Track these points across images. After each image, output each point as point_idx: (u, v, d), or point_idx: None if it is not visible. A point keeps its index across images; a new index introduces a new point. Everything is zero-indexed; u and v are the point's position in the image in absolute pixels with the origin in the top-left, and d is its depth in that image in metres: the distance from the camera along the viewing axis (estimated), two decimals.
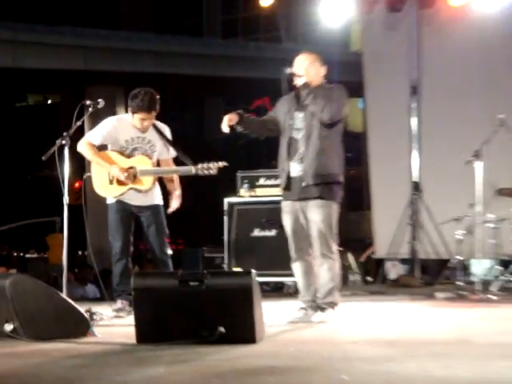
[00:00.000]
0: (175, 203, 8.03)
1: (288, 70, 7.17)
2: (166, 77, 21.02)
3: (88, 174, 8.07)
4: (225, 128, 7.05)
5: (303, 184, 7.01)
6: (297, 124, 7.13)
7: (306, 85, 7.10)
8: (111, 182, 7.93)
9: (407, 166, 12.50)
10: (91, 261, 8.82)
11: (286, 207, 7.17)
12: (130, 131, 7.96)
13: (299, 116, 7.14)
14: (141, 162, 7.89)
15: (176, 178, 8.09)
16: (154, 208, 8.00)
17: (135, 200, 7.99)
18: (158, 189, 8.05)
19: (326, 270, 7.06)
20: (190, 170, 7.77)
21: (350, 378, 4.25)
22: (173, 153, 8.04)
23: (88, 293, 13.84)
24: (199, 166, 7.74)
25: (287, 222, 7.16)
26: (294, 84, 7.17)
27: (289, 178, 7.09)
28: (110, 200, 8.05)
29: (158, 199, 8.06)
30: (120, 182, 7.88)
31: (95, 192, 8.08)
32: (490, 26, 12.09)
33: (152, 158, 7.93)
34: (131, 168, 7.85)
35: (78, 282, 14.32)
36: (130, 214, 8.03)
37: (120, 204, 8.02)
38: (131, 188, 7.88)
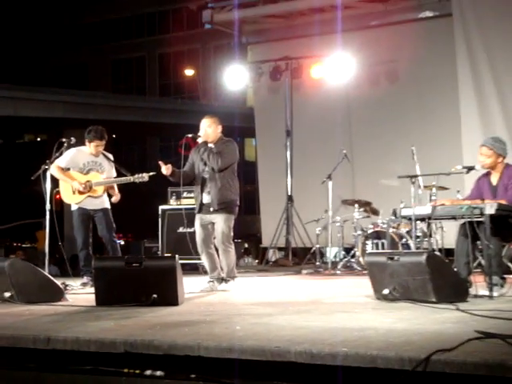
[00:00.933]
0: (114, 200, 7.92)
1: (189, 135, 7.14)
2: (119, 123, 20.83)
3: (57, 189, 7.97)
4: (163, 171, 6.98)
5: (211, 209, 6.98)
6: (202, 167, 7.08)
7: (203, 143, 7.04)
8: (74, 193, 7.84)
9: (284, 185, 12.58)
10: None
11: (198, 219, 7.08)
12: (86, 157, 7.90)
13: (203, 162, 7.07)
14: (95, 178, 7.85)
15: (115, 186, 7.99)
16: (104, 210, 7.89)
17: (90, 205, 7.88)
18: (106, 197, 7.97)
19: (227, 255, 7.10)
20: (129, 178, 7.76)
21: (241, 327, 4.28)
22: (114, 172, 7.99)
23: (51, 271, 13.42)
24: (135, 175, 7.73)
25: (198, 229, 7.07)
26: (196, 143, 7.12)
27: (202, 204, 7.04)
28: (74, 207, 7.93)
29: (107, 204, 7.94)
30: (80, 192, 7.80)
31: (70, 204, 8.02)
32: (338, 89, 12.33)
33: (102, 174, 7.89)
34: (88, 181, 7.81)
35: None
36: (88, 216, 7.91)
37: (80, 209, 7.89)
38: (88, 196, 7.82)
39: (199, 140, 7.09)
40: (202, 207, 7.06)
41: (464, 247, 6.08)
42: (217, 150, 7.00)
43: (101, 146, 7.88)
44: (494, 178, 6.35)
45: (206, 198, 7.04)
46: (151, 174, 7.72)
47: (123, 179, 7.84)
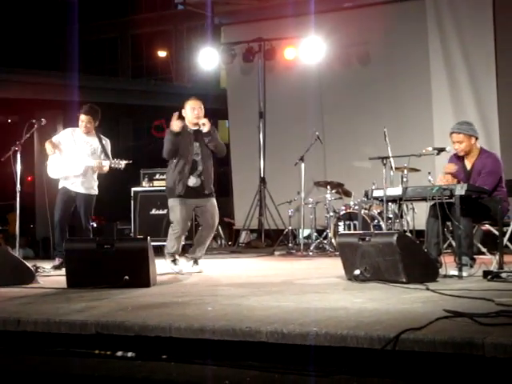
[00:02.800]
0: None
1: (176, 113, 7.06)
2: (91, 104, 20.60)
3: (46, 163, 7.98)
4: (175, 126, 6.92)
5: (205, 192, 7.01)
6: (196, 150, 7.05)
7: (212, 129, 7.05)
8: (58, 165, 7.82)
9: (257, 167, 12.55)
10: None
11: (182, 203, 6.98)
12: (79, 136, 7.89)
13: (197, 145, 7.05)
14: (79, 156, 7.79)
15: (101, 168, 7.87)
16: (86, 196, 7.84)
17: (74, 187, 7.84)
18: (94, 184, 7.90)
19: (210, 239, 7.21)
20: (108, 163, 7.71)
21: (212, 308, 4.28)
22: (104, 158, 7.88)
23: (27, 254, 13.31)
24: (113, 160, 7.72)
25: (182, 211, 6.96)
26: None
27: (187, 187, 6.97)
28: (60, 185, 7.89)
29: (92, 191, 7.89)
30: (63, 168, 7.78)
31: (43, 185, 7.99)
32: (311, 71, 12.31)
33: (89, 155, 7.80)
34: (71, 159, 7.78)
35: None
36: (69, 197, 7.84)
37: (63, 188, 7.86)
38: (69, 173, 7.78)
39: (204, 129, 6.98)
40: (188, 190, 7.00)
41: (434, 228, 6.13)
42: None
43: (86, 122, 7.85)
44: (468, 163, 6.37)
45: (193, 181, 7.00)
46: (128, 162, 7.70)
47: (104, 162, 7.76)
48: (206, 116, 7.17)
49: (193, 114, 7.05)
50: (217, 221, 7.20)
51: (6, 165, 7.64)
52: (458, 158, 6.43)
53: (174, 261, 7.04)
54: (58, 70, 28.35)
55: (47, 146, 7.85)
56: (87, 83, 23.26)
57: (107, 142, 8.01)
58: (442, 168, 6.78)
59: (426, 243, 6.24)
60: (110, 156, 7.92)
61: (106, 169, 7.82)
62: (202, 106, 7.12)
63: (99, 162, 7.73)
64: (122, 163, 7.70)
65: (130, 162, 7.77)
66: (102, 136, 8.00)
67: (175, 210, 7.03)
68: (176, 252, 7.07)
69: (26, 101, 21.65)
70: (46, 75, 22.79)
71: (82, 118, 7.86)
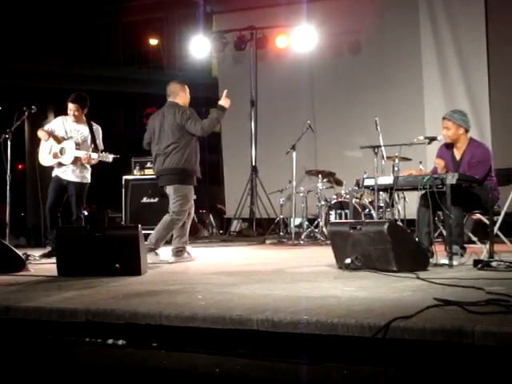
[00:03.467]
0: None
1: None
2: (82, 91, 20.53)
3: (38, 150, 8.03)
4: (225, 102, 7.22)
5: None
6: None
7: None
8: (49, 153, 7.85)
9: (248, 155, 12.54)
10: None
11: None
12: (70, 125, 7.91)
13: None
14: (68, 145, 7.79)
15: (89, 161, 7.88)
16: (76, 184, 7.83)
17: (66, 176, 7.85)
18: (86, 172, 7.89)
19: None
20: (97, 156, 7.68)
21: (203, 296, 4.28)
22: (93, 149, 7.85)
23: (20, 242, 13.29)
24: (101, 154, 7.71)
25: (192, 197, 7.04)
26: None
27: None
28: (53, 174, 7.91)
29: (85, 179, 7.89)
30: (54, 156, 7.80)
31: (35, 172, 7.99)
32: (303, 60, 12.30)
33: (79, 144, 7.78)
34: (62, 148, 7.79)
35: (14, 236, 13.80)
36: (61, 185, 7.86)
37: (55, 177, 7.91)
38: (59, 162, 7.79)
39: None
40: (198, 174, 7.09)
41: (425, 217, 6.14)
42: None
43: (74, 110, 7.87)
44: (458, 153, 6.37)
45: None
46: (115, 156, 7.70)
47: (93, 155, 7.73)
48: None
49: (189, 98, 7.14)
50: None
51: None
52: (448, 148, 6.43)
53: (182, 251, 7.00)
54: (47, 57, 28.18)
55: (40, 133, 7.85)
56: (78, 70, 23.25)
57: (98, 129, 7.98)
58: (433, 157, 6.79)
59: (416, 232, 6.25)
60: (101, 143, 7.89)
61: (94, 161, 7.79)
62: None
63: (88, 154, 7.69)
64: (110, 157, 7.70)
65: (118, 156, 7.77)
66: (92, 123, 7.97)
67: (192, 195, 7.02)
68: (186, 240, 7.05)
69: (16, 87, 21.58)
70: (35, 62, 22.71)
71: (70, 106, 7.87)
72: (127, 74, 25.29)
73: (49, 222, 7.78)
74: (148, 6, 30.33)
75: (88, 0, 32.24)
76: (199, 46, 12.69)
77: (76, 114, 7.85)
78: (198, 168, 7.04)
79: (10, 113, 8.19)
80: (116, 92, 23.72)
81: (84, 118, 7.94)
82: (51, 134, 7.85)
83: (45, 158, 7.89)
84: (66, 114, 8.00)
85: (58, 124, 7.98)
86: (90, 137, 7.86)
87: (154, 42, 31.12)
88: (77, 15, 32.04)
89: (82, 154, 7.70)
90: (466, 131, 6.35)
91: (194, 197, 7.19)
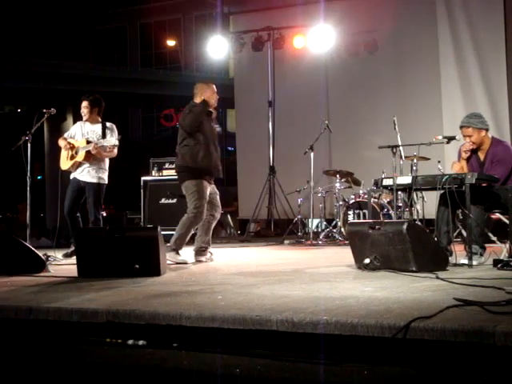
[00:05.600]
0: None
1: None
2: (101, 94, 20.62)
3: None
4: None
5: (220, 174, 7.06)
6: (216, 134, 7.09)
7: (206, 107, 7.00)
8: (67, 159, 7.93)
9: (265, 156, 12.54)
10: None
11: (208, 185, 6.94)
12: (87, 127, 7.98)
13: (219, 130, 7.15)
14: (81, 143, 7.87)
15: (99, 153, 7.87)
16: (93, 185, 7.84)
17: (81, 176, 7.88)
18: (102, 173, 7.92)
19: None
20: (102, 142, 7.75)
21: (223, 297, 4.29)
22: (112, 141, 7.82)
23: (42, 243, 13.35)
24: (105, 139, 7.77)
25: (207, 194, 6.91)
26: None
27: (217, 169, 6.98)
28: (71, 176, 7.96)
29: (101, 180, 7.89)
30: (71, 158, 7.88)
31: (52, 175, 8.09)
32: (320, 60, 12.29)
33: (92, 141, 7.79)
34: (74, 147, 7.89)
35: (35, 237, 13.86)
36: (78, 186, 7.89)
37: (73, 179, 7.94)
38: (76, 161, 7.84)
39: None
40: (213, 173, 6.99)
41: (444, 216, 6.11)
42: None
43: (84, 107, 7.95)
44: (481, 154, 6.33)
45: (220, 166, 7.06)
46: (119, 138, 7.82)
47: (94, 144, 7.76)
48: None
49: (215, 98, 7.02)
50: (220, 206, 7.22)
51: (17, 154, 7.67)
52: (473, 153, 6.38)
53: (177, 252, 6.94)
54: (67, 59, 28.37)
55: (61, 142, 7.96)
56: (97, 73, 23.38)
57: (112, 126, 8.00)
58: (451, 156, 6.76)
59: (436, 231, 6.22)
60: (114, 140, 7.82)
61: (104, 152, 7.77)
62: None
63: (93, 144, 7.73)
64: (113, 140, 7.73)
65: (119, 138, 7.83)
66: (107, 123, 8.01)
67: (205, 191, 6.86)
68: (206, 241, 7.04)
69: (36, 90, 21.74)
70: (54, 65, 22.88)
71: (83, 104, 7.98)
72: (145, 75, 25.40)
73: (69, 223, 7.84)
74: (165, 7, 30.44)
75: (106, 2, 32.42)
76: (216, 47, 12.71)
77: (85, 111, 7.94)
78: (214, 166, 6.93)
79: (29, 115, 8.26)
80: (134, 93, 23.81)
81: (99, 118, 7.99)
82: (70, 142, 7.92)
83: (64, 163, 7.99)
84: (93, 116, 8.04)
85: (76, 129, 8.09)
86: (107, 135, 7.90)
87: (171, 43, 31.22)
88: (95, 18, 32.22)
89: (89, 146, 7.75)
90: (487, 131, 6.31)
91: None
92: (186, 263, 6.77)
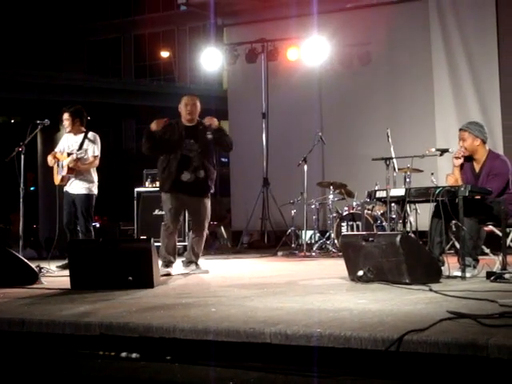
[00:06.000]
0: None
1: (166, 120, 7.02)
2: (94, 105, 20.64)
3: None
4: (153, 126, 6.85)
5: (199, 190, 6.90)
6: (187, 146, 6.90)
7: (221, 127, 7.08)
8: (57, 174, 8.00)
9: (258, 167, 12.55)
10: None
11: (174, 198, 6.90)
12: (72, 139, 8.02)
13: (191, 141, 6.92)
14: (64, 157, 7.91)
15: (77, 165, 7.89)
16: (81, 196, 7.91)
17: (71, 189, 7.96)
18: (90, 184, 7.94)
19: (201, 242, 7.05)
20: (75, 154, 7.77)
21: (216, 309, 4.28)
22: (93, 151, 7.89)
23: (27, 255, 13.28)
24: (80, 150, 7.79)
25: (172, 203, 6.90)
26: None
27: (179, 182, 6.85)
28: (64, 190, 8.00)
29: (90, 191, 7.93)
30: (58, 173, 7.94)
31: (46, 186, 8.13)
32: (313, 72, 12.33)
33: (73, 154, 7.81)
34: (59, 161, 7.95)
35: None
36: (71, 199, 7.96)
37: (66, 192, 8.01)
38: (62, 176, 7.88)
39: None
40: (180, 185, 6.88)
41: (438, 227, 6.11)
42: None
43: (65, 119, 7.99)
44: (477, 165, 6.34)
45: (187, 177, 6.86)
46: (96, 155, 7.86)
47: (72, 157, 7.80)
48: (207, 115, 7.13)
49: (186, 110, 6.98)
50: (206, 224, 7.02)
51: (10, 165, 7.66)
52: (467, 160, 6.40)
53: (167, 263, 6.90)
54: (61, 70, 28.37)
55: (48, 158, 8.06)
56: (91, 84, 23.40)
57: (95, 137, 7.99)
58: (444, 169, 6.78)
59: (429, 242, 6.23)
60: (95, 150, 7.88)
61: (82, 165, 7.80)
62: (197, 103, 7.03)
63: (72, 157, 7.77)
64: (90, 150, 7.82)
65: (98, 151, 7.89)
66: (89, 133, 8.01)
67: (166, 202, 6.97)
68: (169, 253, 6.94)
69: (30, 101, 21.74)
70: (48, 76, 22.90)
71: (64, 116, 8.00)
72: (139, 86, 25.40)
73: (69, 236, 7.91)
74: (159, 18, 30.52)
75: (100, 13, 32.49)
76: (210, 59, 12.74)
77: (67, 123, 7.98)
78: (167, 182, 6.91)
79: (23, 126, 8.26)
80: (128, 104, 23.84)
81: (82, 129, 8.02)
82: (56, 157, 7.99)
83: (56, 178, 8.08)
84: (75, 127, 8.05)
85: (63, 142, 8.14)
86: (88, 146, 7.88)
87: (165, 54, 31.29)
88: (89, 29, 32.26)
89: (68, 160, 7.79)
90: (484, 142, 6.32)
91: None
92: (169, 274, 6.74)
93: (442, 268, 5.89)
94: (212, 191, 7.11)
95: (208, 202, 7.04)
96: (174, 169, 6.89)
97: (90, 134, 7.97)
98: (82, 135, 7.96)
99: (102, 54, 33.16)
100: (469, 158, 6.37)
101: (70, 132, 8.02)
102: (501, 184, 6.09)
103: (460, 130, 6.37)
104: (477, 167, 6.32)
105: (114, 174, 19.26)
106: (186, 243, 8.62)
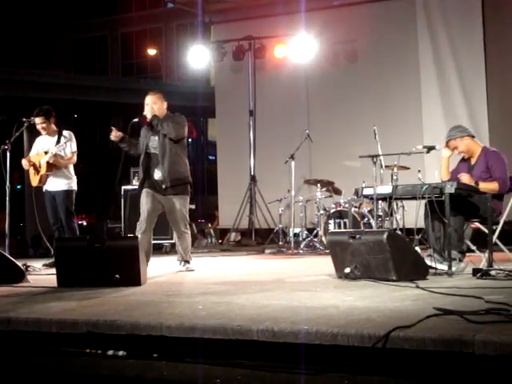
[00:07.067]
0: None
1: (135, 119, 6.99)
2: (81, 103, 20.57)
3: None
4: (112, 138, 6.90)
5: (163, 186, 6.78)
6: (153, 144, 6.88)
7: (154, 116, 6.80)
8: (34, 175, 7.99)
9: (246, 165, 12.56)
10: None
11: (150, 195, 6.82)
12: (46, 140, 8.03)
13: (154, 138, 6.87)
14: (41, 156, 7.90)
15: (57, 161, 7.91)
16: (61, 192, 7.93)
17: (50, 187, 7.97)
18: (69, 180, 7.95)
19: (184, 240, 6.93)
20: (55, 149, 7.76)
21: (203, 307, 4.28)
22: (69, 148, 7.90)
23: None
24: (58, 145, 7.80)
25: (147, 202, 6.81)
26: (146, 120, 6.89)
27: (152, 181, 6.83)
28: (44, 189, 8.00)
29: (69, 187, 7.95)
30: (37, 173, 7.91)
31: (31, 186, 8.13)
32: (300, 69, 12.35)
33: (48, 152, 7.80)
34: (35, 163, 7.92)
35: None
36: (50, 198, 7.98)
37: (46, 191, 8.02)
38: (41, 175, 7.87)
39: (148, 116, 6.86)
40: (154, 184, 6.83)
41: (432, 224, 6.13)
42: (167, 121, 6.82)
43: (40, 123, 7.94)
44: (473, 159, 6.41)
45: (158, 175, 6.82)
46: (74, 152, 7.89)
47: (50, 154, 7.78)
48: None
49: (146, 108, 6.91)
50: (182, 222, 6.86)
51: None
52: (465, 160, 6.47)
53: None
54: (48, 68, 28.22)
55: (23, 162, 8.01)
56: (77, 81, 23.29)
57: (70, 135, 7.98)
58: (431, 166, 6.81)
59: (428, 241, 6.27)
60: (71, 147, 7.89)
61: (62, 160, 7.82)
62: (158, 100, 6.88)
63: (51, 153, 7.75)
64: (68, 148, 7.82)
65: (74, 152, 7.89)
66: (63, 132, 8.00)
67: (141, 201, 6.90)
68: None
69: (16, 99, 21.61)
70: (35, 74, 22.77)
71: (36, 121, 7.91)
72: (126, 84, 25.31)
73: (57, 235, 7.91)
74: (146, 16, 30.43)
75: (87, 11, 32.33)
76: (198, 56, 12.74)
77: (44, 126, 7.96)
78: (142, 180, 6.92)
79: (8, 123, 8.22)
80: (115, 102, 23.74)
81: (54, 128, 8.00)
82: (30, 160, 7.97)
83: (33, 180, 8.05)
84: (65, 123, 8.04)
85: (37, 145, 8.13)
86: (63, 144, 7.86)
87: (152, 52, 31.19)
88: (76, 27, 32.12)
89: (47, 157, 7.76)
90: (472, 137, 6.39)
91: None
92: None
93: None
94: (189, 189, 6.98)
95: (183, 201, 6.86)
96: (146, 167, 6.89)
97: (65, 132, 7.97)
98: (56, 135, 7.94)
99: (89, 51, 33.03)
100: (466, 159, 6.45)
101: (46, 134, 7.99)
102: (502, 169, 6.13)
103: (447, 142, 6.40)
104: (472, 160, 6.39)
105: (101, 172, 19.19)
106: (173, 241, 8.60)
